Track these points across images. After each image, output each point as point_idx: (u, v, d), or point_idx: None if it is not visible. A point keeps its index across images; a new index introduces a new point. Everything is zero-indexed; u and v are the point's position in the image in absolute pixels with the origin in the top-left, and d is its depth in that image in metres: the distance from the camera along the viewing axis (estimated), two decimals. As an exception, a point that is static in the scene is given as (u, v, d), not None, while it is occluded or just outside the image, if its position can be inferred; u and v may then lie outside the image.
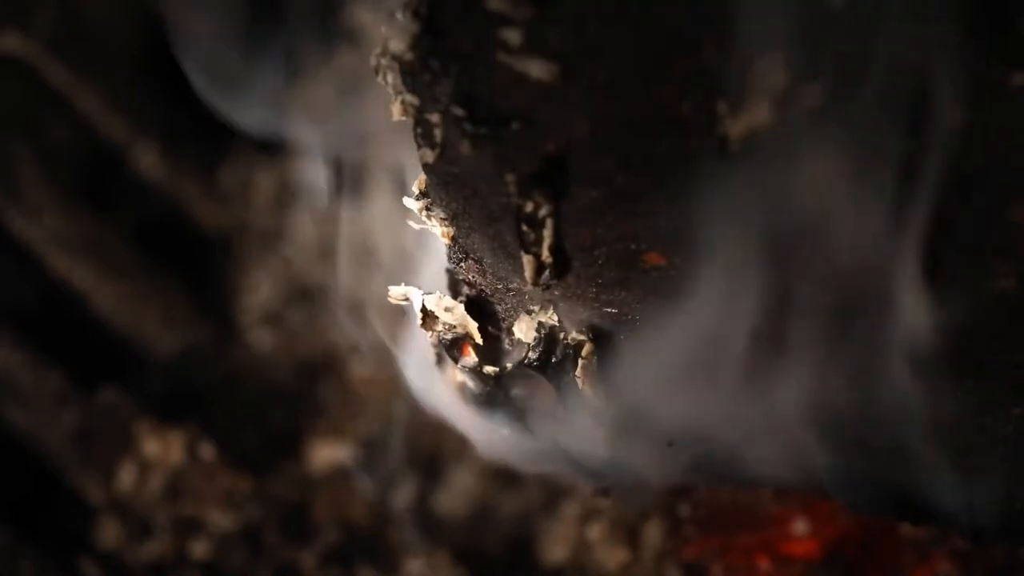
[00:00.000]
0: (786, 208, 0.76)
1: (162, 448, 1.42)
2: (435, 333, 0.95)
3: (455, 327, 0.94)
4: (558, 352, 0.92)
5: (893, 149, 0.73)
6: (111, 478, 1.42)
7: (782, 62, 0.70)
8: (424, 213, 0.88)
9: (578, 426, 0.96)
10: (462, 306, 0.93)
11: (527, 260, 0.85)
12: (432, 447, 1.43)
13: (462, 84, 0.77)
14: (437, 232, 0.89)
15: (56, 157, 1.56)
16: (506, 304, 0.93)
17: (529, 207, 0.81)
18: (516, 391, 0.96)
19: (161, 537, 1.39)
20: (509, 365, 0.94)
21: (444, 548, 1.36)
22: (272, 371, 1.53)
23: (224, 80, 1.16)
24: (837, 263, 0.78)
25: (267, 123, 1.21)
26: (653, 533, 1.27)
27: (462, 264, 0.91)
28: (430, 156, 0.82)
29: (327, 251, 1.57)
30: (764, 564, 1.17)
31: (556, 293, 0.89)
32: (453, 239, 0.89)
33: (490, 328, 0.94)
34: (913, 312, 0.79)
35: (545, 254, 0.83)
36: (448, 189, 0.85)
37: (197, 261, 1.61)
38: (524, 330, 0.92)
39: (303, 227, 1.58)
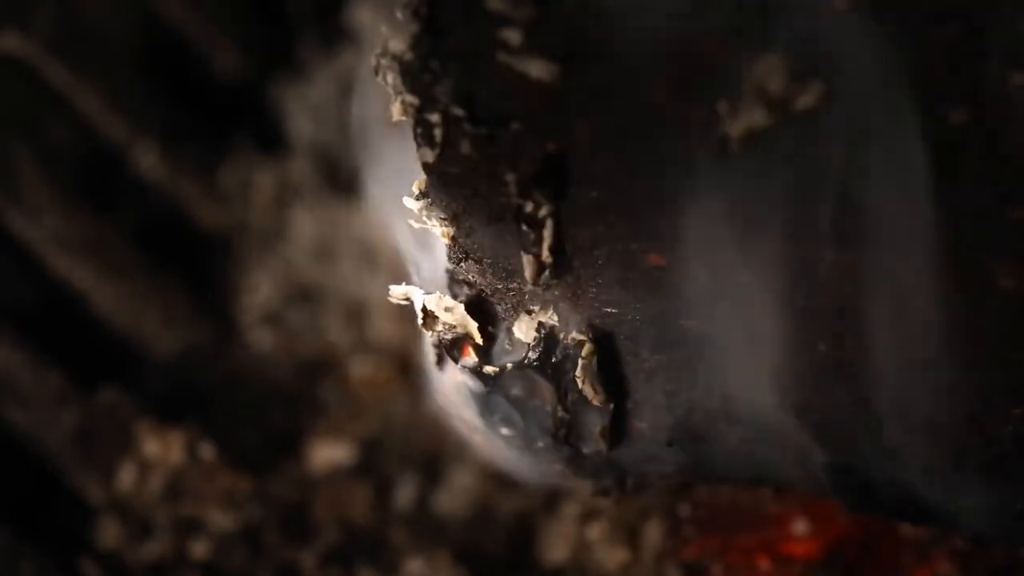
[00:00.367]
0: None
1: (162, 448, 1.42)
2: (435, 333, 0.95)
3: (455, 327, 0.94)
4: (558, 352, 0.92)
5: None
6: (111, 478, 1.42)
7: (781, 62, 0.70)
8: (424, 213, 0.88)
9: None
10: (462, 306, 0.93)
11: (527, 260, 0.85)
12: (432, 447, 1.43)
13: (462, 84, 0.77)
14: (437, 232, 0.89)
15: (56, 157, 1.56)
16: (506, 304, 0.93)
17: (529, 207, 0.81)
18: (516, 391, 0.96)
19: (161, 537, 1.39)
20: (509, 365, 0.94)
21: (444, 548, 1.36)
22: (272, 371, 1.53)
23: None
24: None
25: None
26: (653, 533, 1.26)
27: (462, 264, 0.91)
28: (430, 156, 0.82)
29: (327, 251, 1.57)
30: (764, 564, 1.17)
31: (556, 293, 0.89)
32: (453, 239, 0.89)
33: (490, 328, 0.94)
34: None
35: (545, 254, 0.84)
36: (448, 189, 0.85)
37: (197, 261, 1.61)
38: (524, 330, 0.92)
39: (303, 227, 1.58)
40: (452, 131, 0.79)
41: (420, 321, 0.94)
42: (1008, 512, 0.94)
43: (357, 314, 1.54)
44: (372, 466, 1.44)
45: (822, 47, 0.70)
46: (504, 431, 1.00)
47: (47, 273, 1.53)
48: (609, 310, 0.89)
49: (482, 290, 0.93)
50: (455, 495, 1.41)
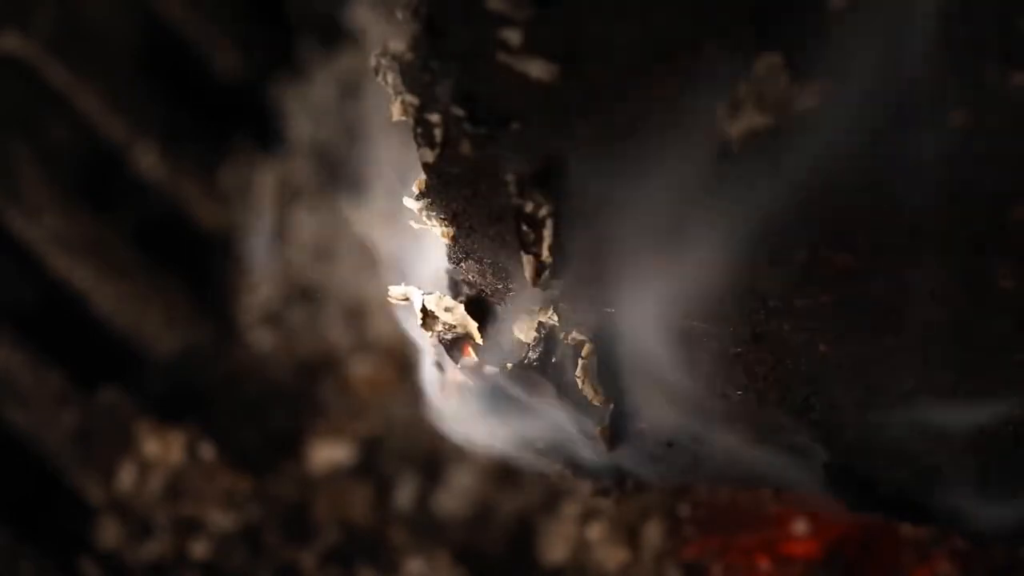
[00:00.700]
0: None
1: (162, 448, 1.42)
2: (435, 333, 0.95)
3: (455, 327, 0.94)
4: (558, 352, 0.92)
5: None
6: (111, 478, 1.42)
7: (782, 62, 0.70)
8: (424, 213, 0.88)
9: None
10: (462, 306, 0.93)
11: (527, 260, 0.85)
12: (432, 447, 1.43)
13: (462, 84, 0.77)
14: (437, 232, 0.89)
15: (56, 157, 1.56)
16: (506, 304, 0.93)
17: (529, 207, 0.81)
18: (516, 391, 0.96)
19: (161, 537, 1.39)
20: (509, 365, 0.94)
21: (444, 548, 1.36)
22: (272, 371, 1.53)
23: None
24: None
25: None
26: (653, 533, 1.27)
27: (462, 264, 0.91)
28: (430, 156, 0.82)
29: (327, 251, 1.57)
30: (764, 564, 1.17)
31: (556, 293, 0.89)
32: (453, 239, 0.89)
33: (490, 328, 0.94)
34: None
35: (545, 254, 0.83)
36: (448, 189, 0.85)
37: (197, 261, 1.61)
38: (524, 330, 0.92)
39: (303, 227, 1.58)
40: (452, 131, 0.79)
41: (420, 321, 0.94)
42: (1009, 513, 0.94)
43: (357, 314, 1.54)
44: (372, 466, 1.44)
45: (822, 47, 0.70)
46: (504, 431, 1.00)
47: (47, 273, 1.53)
48: (609, 310, 0.89)
49: (482, 290, 0.93)
50: (455, 495, 1.41)
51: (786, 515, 1.18)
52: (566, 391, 0.93)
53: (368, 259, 1.54)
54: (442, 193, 0.85)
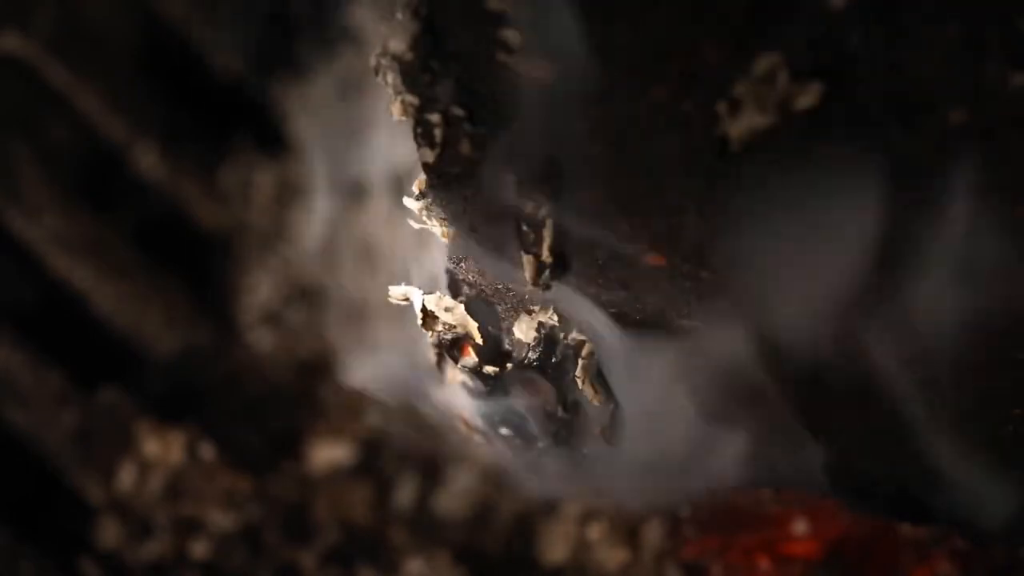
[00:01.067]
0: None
1: (162, 448, 1.42)
2: (435, 333, 0.95)
3: (455, 327, 0.94)
4: (558, 352, 0.92)
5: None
6: (111, 478, 1.42)
7: (782, 62, 0.70)
8: (424, 213, 0.88)
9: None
10: (462, 306, 0.93)
11: (527, 260, 0.85)
12: (432, 447, 1.43)
13: (462, 84, 0.77)
14: (437, 232, 0.89)
15: (56, 157, 1.56)
16: (506, 304, 0.93)
17: (529, 207, 0.81)
18: (516, 391, 0.96)
19: (161, 537, 1.39)
20: (509, 365, 0.94)
21: (444, 548, 1.36)
22: (272, 371, 1.53)
23: None
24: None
25: None
26: (653, 533, 1.26)
27: (462, 264, 0.91)
28: (430, 156, 0.82)
29: (327, 251, 1.57)
30: (764, 564, 1.17)
31: (556, 293, 0.89)
32: (453, 239, 0.89)
33: (490, 328, 0.94)
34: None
35: (545, 254, 0.83)
36: (448, 189, 0.85)
37: (197, 261, 1.61)
38: (524, 330, 0.92)
39: (303, 227, 1.58)
40: (452, 131, 0.79)
41: (420, 321, 0.94)
42: (1009, 512, 0.94)
43: (357, 314, 1.53)
44: (372, 466, 1.44)
45: (822, 47, 0.70)
46: (504, 431, 1.00)
47: (47, 273, 1.53)
48: (609, 310, 0.89)
49: (482, 290, 0.93)
50: (455, 495, 1.41)
51: (786, 515, 1.18)
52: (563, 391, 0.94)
53: (368, 259, 1.54)
54: (442, 193, 0.85)
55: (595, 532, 1.31)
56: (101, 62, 1.59)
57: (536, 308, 0.91)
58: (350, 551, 1.38)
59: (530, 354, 0.93)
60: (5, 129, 1.54)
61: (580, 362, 0.91)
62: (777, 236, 0.77)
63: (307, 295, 1.56)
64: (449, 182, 0.84)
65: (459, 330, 0.94)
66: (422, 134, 0.81)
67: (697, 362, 0.88)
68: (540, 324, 0.91)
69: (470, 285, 0.93)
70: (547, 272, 0.85)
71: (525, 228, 0.83)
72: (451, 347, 0.96)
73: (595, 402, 0.93)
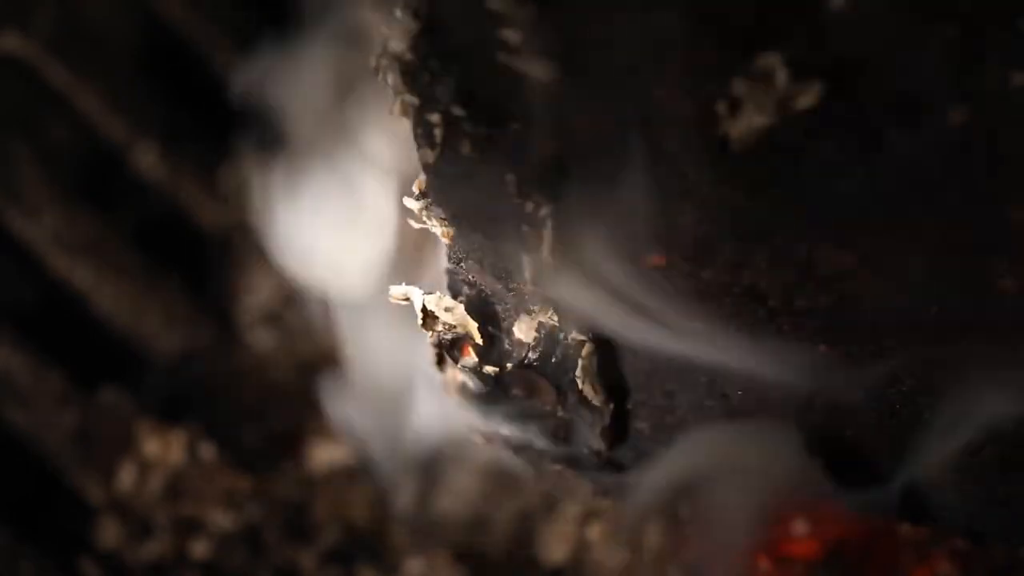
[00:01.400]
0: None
1: (162, 448, 1.42)
2: (435, 333, 0.95)
3: (455, 327, 0.94)
4: (558, 352, 0.92)
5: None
6: (111, 478, 1.42)
7: (781, 62, 0.70)
8: (424, 213, 0.88)
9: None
10: (462, 306, 0.93)
11: (527, 260, 0.85)
12: (432, 447, 1.43)
13: (462, 84, 0.77)
14: (437, 232, 0.89)
15: (56, 157, 1.56)
16: (506, 304, 0.93)
17: (529, 207, 0.81)
18: (516, 391, 0.96)
19: (161, 537, 1.39)
20: (509, 365, 0.94)
21: (444, 548, 1.36)
22: (272, 371, 1.53)
23: None
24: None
25: None
26: (653, 533, 1.27)
27: (462, 264, 0.91)
28: (430, 156, 0.82)
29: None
30: (764, 564, 1.17)
31: (556, 293, 0.89)
32: (453, 239, 0.89)
33: (490, 328, 0.94)
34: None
35: (545, 254, 0.83)
36: (448, 189, 0.85)
37: (197, 261, 1.61)
38: (524, 330, 0.92)
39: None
40: (452, 131, 0.79)
41: (420, 321, 0.94)
42: (1009, 512, 0.94)
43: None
44: (372, 466, 1.44)
45: (822, 47, 0.70)
46: (504, 431, 1.00)
47: (47, 273, 1.53)
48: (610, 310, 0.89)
49: (482, 290, 0.93)
50: (455, 495, 1.41)
51: (786, 515, 1.18)
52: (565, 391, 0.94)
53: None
54: (442, 193, 0.85)
55: (595, 532, 1.31)
56: (101, 62, 1.59)
57: (536, 308, 0.91)
58: (350, 551, 1.38)
59: (530, 354, 0.93)
60: (5, 129, 1.54)
61: (580, 362, 0.91)
62: None
63: (307, 295, 1.57)
64: (449, 182, 0.84)
65: (459, 330, 0.94)
66: (422, 134, 0.81)
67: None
68: (540, 324, 0.91)
69: (470, 285, 0.93)
70: (547, 272, 0.85)
71: (525, 228, 0.83)
72: (451, 347, 0.96)
73: (595, 402, 0.93)
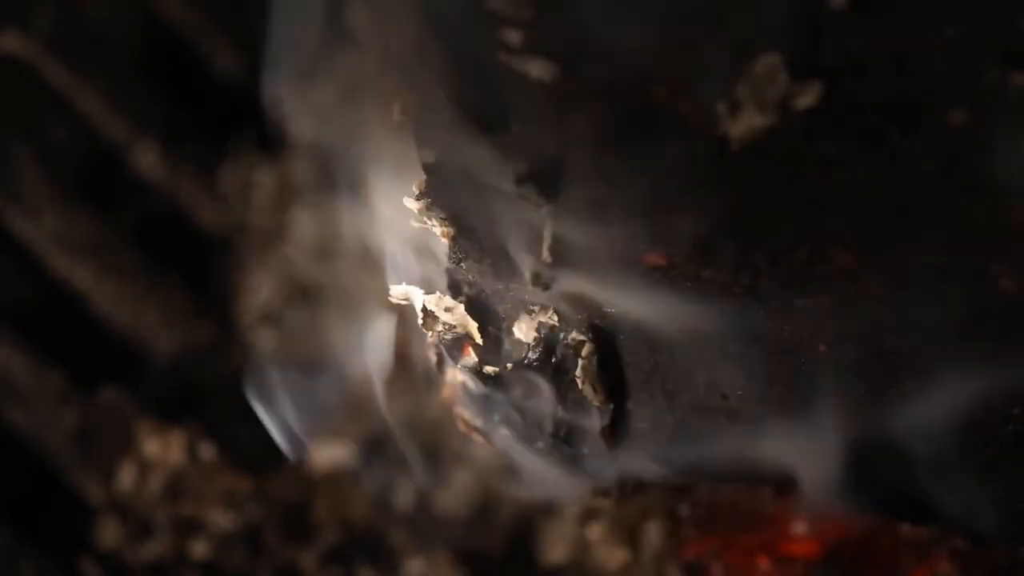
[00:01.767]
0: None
1: (162, 448, 1.42)
2: (435, 333, 0.95)
3: (455, 327, 0.94)
4: (558, 352, 0.92)
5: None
6: (111, 478, 1.42)
7: (782, 62, 0.70)
8: (424, 213, 0.88)
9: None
10: (462, 306, 0.93)
11: (527, 260, 0.85)
12: (432, 447, 1.43)
13: (463, 84, 0.77)
14: (437, 232, 0.88)
15: (56, 157, 1.56)
16: (506, 304, 0.92)
17: (529, 207, 0.81)
18: (516, 391, 0.96)
19: (161, 537, 1.39)
20: (509, 365, 0.94)
21: (444, 548, 1.36)
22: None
23: None
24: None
25: None
26: (653, 533, 1.26)
27: (462, 264, 0.91)
28: (430, 156, 0.82)
29: (327, 251, 1.57)
30: (764, 564, 1.17)
31: (556, 293, 0.89)
32: (453, 239, 0.89)
33: (490, 328, 0.94)
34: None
35: (545, 254, 0.83)
36: (448, 189, 0.85)
37: (197, 261, 1.61)
38: (524, 330, 0.92)
39: (303, 227, 1.58)
40: (452, 132, 0.79)
41: (420, 321, 0.94)
42: (1009, 512, 0.94)
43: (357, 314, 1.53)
44: (372, 466, 1.44)
45: (822, 47, 0.70)
46: (504, 431, 1.00)
47: (47, 273, 1.53)
48: (609, 310, 0.89)
49: (482, 290, 0.93)
50: (455, 495, 1.41)
51: (786, 515, 1.18)
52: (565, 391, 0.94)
53: (368, 259, 1.54)
54: (442, 193, 0.85)
55: (595, 532, 1.30)
56: (101, 62, 1.59)
57: (536, 308, 0.91)
58: (350, 551, 1.38)
59: (530, 354, 0.93)
60: (5, 129, 1.54)
61: (580, 362, 0.91)
62: None
63: (307, 295, 1.56)
64: (449, 182, 0.84)
65: (459, 330, 0.94)
66: (422, 134, 0.81)
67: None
68: (540, 324, 0.91)
69: (470, 285, 0.93)
70: (547, 272, 0.85)
71: (525, 228, 0.83)
72: (451, 347, 0.96)
73: (595, 402, 0.93)
